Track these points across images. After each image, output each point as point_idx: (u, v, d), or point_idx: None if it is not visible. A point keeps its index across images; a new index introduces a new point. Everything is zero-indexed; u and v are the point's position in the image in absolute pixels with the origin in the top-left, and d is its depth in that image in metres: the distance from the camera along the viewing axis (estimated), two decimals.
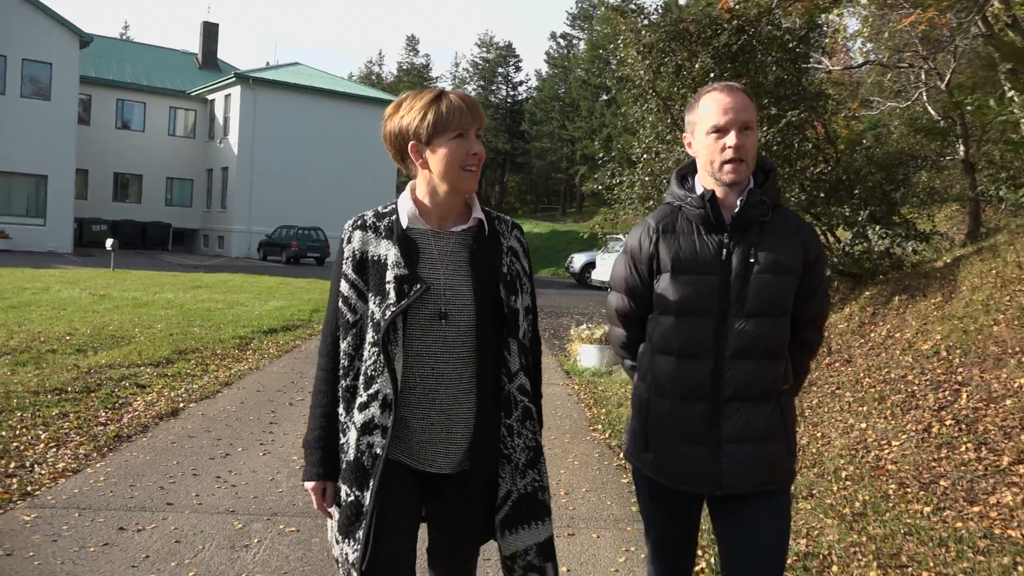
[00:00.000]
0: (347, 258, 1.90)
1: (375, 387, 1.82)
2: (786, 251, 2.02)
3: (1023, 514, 4.01)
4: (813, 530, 4.04)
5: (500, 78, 63.12)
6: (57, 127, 28.11)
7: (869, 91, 13.63)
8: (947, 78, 9.94)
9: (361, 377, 1.85)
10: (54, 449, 4.89)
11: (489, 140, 55.44)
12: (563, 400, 7.33)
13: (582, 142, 46.54)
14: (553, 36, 64.58)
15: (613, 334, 2.32)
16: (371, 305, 1.86)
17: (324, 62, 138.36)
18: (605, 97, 44.21)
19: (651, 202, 7.89)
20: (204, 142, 36.79)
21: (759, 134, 2.07)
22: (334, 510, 1.91)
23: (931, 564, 3.59)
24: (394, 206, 1.94)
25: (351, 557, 1.84)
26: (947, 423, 5.07)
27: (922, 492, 4.41)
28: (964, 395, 5.31)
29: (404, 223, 1.89)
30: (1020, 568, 3.50)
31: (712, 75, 7.05)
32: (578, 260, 26.02)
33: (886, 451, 5.05)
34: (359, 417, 1.83)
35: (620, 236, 16.07)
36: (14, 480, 4.28)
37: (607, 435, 6.01)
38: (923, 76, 10.26)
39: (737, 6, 7.24)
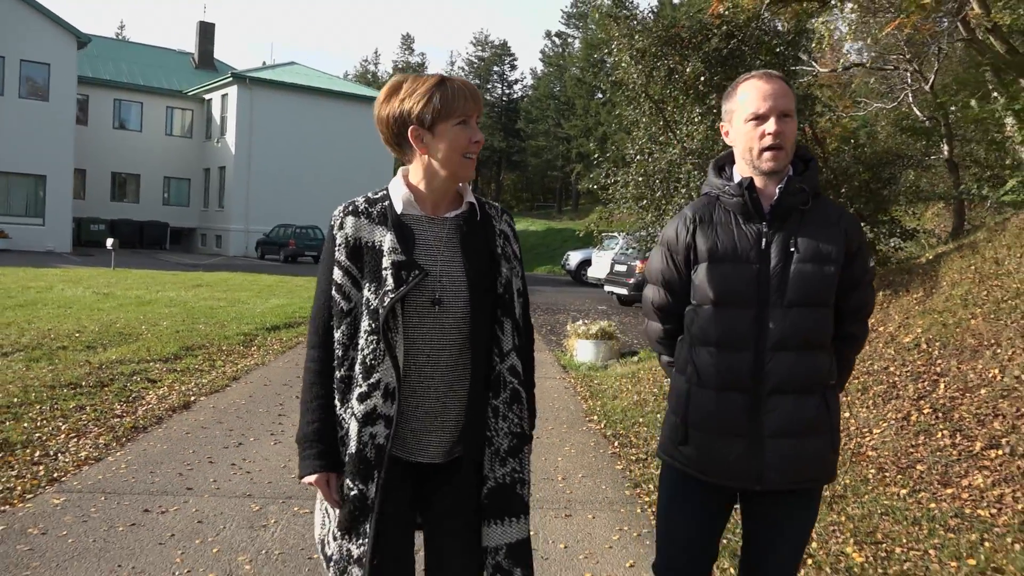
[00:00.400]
0: (340, 245, 1.84)
1: (376, 376, 1.77)
2: (827, 240, 1.97)
3: (992, 495, 4.27)
4: None
5: (496, 76, 63.34)
6: (55, 127, 28.28)
7: (860, 90, 13.90)
8: (931, 80, 10.23)
9: (358, 367, 1.80)
10: (75, 439, 5.12)
11: (485, 138, 55.52)
12: (560, 393, 7.58)
13: (578, 140, 46.79)
14: (548, 34, 64.94)
15: (650, 328, 2.26)
16: (366, 292, 1.81)
17: (320, 61, 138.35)
18: (600, 96, 44.43)
19: (644, 201, 8.14)
20: (201, 142, 36.95)
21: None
22: (325, 505, 1.88)
23: (904, 541, 3.84)
24: (385, 192, 1.90)
25: (356, 553, 1.78)
26: (925, 411, 5.33)
27: (899, 476, 4.67)
28: (942, 385, 5.57)
29: (399, 208, 1.85)
30: (987, 544, 3.76)
31: (702, 79, 7.30)
32: (574, 257, 26.31)
33: (867, 438, 5.31)
34: (360, 408, 1.78)
35: (615, 234, 16.32)
36: (40, 468, 4.52)
37: (602, 425, 6.26)
38: (908, 78, 10.54)
39: (726, 12, 7.48)
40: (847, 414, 5.73)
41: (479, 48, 63.90)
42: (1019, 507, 4.09)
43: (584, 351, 9.54)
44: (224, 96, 34.98)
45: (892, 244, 8.03)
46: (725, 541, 3.53)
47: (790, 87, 2.02)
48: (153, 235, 34.77)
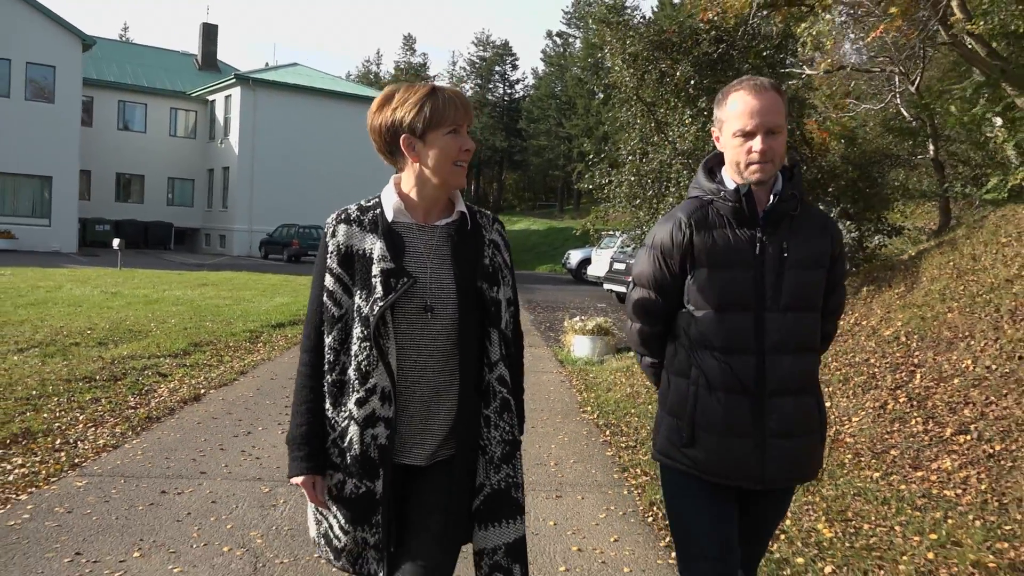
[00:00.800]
0: (331, 252, 1.89)
1: (372, 381, 1.82)
2: (816, 245, 2.04)
3: (959, 477, 4.54)
4: None
5: (497, 76, 63.63)
6: (61, 129, 28.59)
7: (853, 91, 14.16)
8: (916, 81, 10.49)
9: (353, 372, 1.84)
10: (92, 429, 5.40)
11: (487, 138, 55.94)
12: (556, 386, 7.85)
13: (579, 139, 47.06)
14: (549, 34, 65.22)
15: (634, 330, 2.24)
16: (357, 299, 1.85)
17: (322, 62, 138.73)
18: (600, 95, 44.74)
19: (638, 200, 8.40)
20: (205, 142, 37.27)
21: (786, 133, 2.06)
22: (334, 506, 1.91)
23: (873, 518, 4.10)
24: (377, 200, 1.95)
25: (372, 540, 1.86)
26: (901, 400, 5.59)
27: (874, 460, 4.93)
28: (918, 375, 5.84)
29: (389, 216, 1.89)
30: (950, 521, 4.02)
31: (693, 82, 7.57)
32: (575, 256, 26.58)
33: (846, 426, 5.57)
34: (359, 412, 1.83)
35: (613, 232, 16.58)
36: (62, 454, 4.80)
37: (595, 416, 6.52)
38: (896, 80, 10.81)
39: (715, 17, 7.74)
40: (828, 403, 6.00)
41: (481, 48, 64.19)
42: (982, 487, 4.35)
43: (581, 346, 9.80)
44: (228, 97, 35.29)
45: (876, 241, 8.29)
46: None
47: (781, 95, 2.02)
48: (157, 235, 35.09)
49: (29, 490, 4.16)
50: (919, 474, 4.66)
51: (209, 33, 42.18)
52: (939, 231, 9.66)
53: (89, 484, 4.29)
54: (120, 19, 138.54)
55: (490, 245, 1.97)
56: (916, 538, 3.81)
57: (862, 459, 4.99)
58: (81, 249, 29.64)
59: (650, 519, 4.16)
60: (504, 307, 1.95)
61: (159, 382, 7.01)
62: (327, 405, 1.89)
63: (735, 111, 2.00)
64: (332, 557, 1.95)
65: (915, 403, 5.49)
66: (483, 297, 1.91)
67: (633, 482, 4.77)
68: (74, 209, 29.52)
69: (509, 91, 63.35)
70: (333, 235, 1.90)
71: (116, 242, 21.73)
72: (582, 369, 8.87)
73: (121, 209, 35.41)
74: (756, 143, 1.96)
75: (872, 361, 6.31)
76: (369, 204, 1.94)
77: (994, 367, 5.43)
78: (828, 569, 3.50)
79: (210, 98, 36.84)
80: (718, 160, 2.16)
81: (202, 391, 6.76)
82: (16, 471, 4.43)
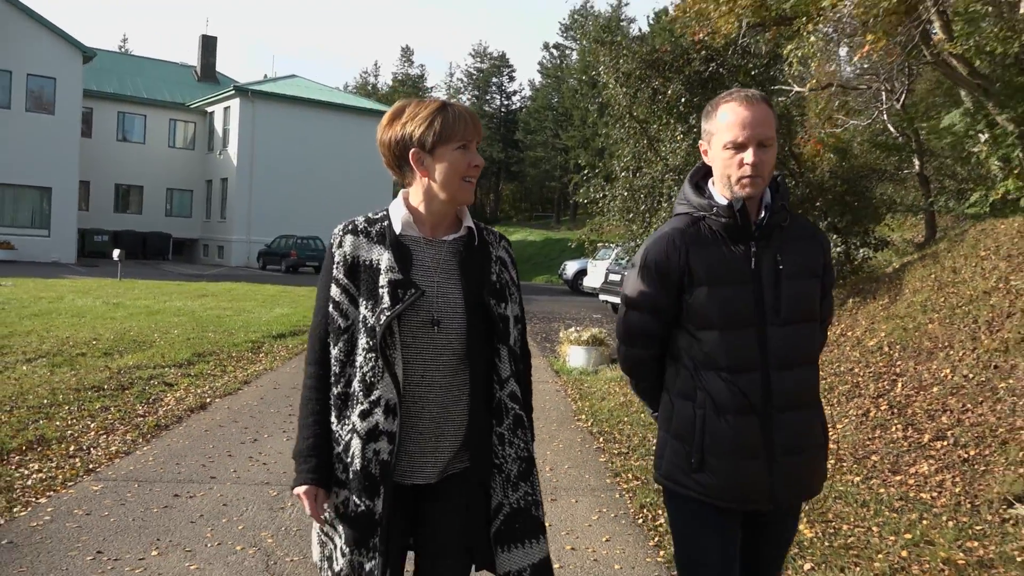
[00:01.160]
0: (338, 263, 1.87)
1: (376, 393, 1.80)
2: (809, 254, 2.03)
3: (935, 480, 4.76)
4: None
5: (494, 88, 64.10)
6: (61, 140, 28.83)
7: (846, 107, 14.44)
8: (902, 98, 10.78)
9: (358, 384, 1.83)
10: (104, 436, 5.60)
11: (484, 149, 55.92)
12: (552, 395, 8.07)
13: (575, 151, 47.39)
14: (546, 46, 65.52)
15: (630, 355, 2.18)
16: (363, 310, 1.84)
17: (320, 73, 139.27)
18: (592, 108, 45.17)
19: (631, 214, 8.65)
20: (203, 153, 37.54)
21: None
22: (338, 523, 1.88)
23: (852, 519, 4.32)
24: (385, 212, 1.94)
25: (368, 566, 1.81)
26: (883, 408, 5.82)
27: (855, 465, 5.15)
28: (899, 384, 6.06)
29: (397, 229, 1.89)
30: (924, 522, 4.24)
31: (684, 100, 7.83)
32: (571, 267, 26.85)
33: (830, 433, 5.77)
34: (362, 425, 1.80)
35: (608, 244, 16.84)
36: (77, 460, 4.99)
37: (590, 423, 6.74)
38: (883, 96, 11.10)
39: (706, 37, 8.00)
40: None
41: (478, 60, 64.67)
42: (956, 490, 4.57)
43: (576, 356, 10.01)
44: (227, 109, 35.58)
45: (862, 254, 8.54)
46: None
47: (771, 108, 1.99)
48: (156, 246, 35.30)
49: (48, 494, 4.36)
50: (898, 478, 4.88)
51: (208, 45, 42.52)
52: (925, 244, 9.91)
53: (105, 488, 4.49)
54: (119, 31, 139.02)
55: (497, 262, 1.97)
56: (892, 538, 4.03)
57: (844, 464, 5.21)
58: (80, 259, 29.82)
59: (640, 521, 4.36)
60: (512, 323, 1.95)
61: (165, 391, 7.21)
62: (332, 418, 1.88)
63: (726, 122, 1.95)
64: None
65: (896, 411, 5.71)
66: (491, 313, 1.90)
67: (625, 486, 4.98)
68: (73, 220, 29.72)
69: (506, 102, 63.81)
70: (340, 246, 1.89)
71: (116, 253, 21.92)
72: (577, 379, 9.08)
73: (119, 220, 35.64)
74: (748, 155, 1.91)
75: (856, 370, 6.54)
76: (377, 216, 1.94)
77: (971, 376, 5.66)
78: (808, 566, 3.71)
79: (209, 109, 37.14)
80: (704, 173, 2.11)
81: (208, 400, 6.96)
82: (34, 476, 4.63)
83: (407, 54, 69.71)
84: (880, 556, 3.81)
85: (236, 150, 34.38)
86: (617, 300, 16.87)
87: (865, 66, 11.18)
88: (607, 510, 4.53)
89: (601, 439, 6.23)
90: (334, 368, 1.87)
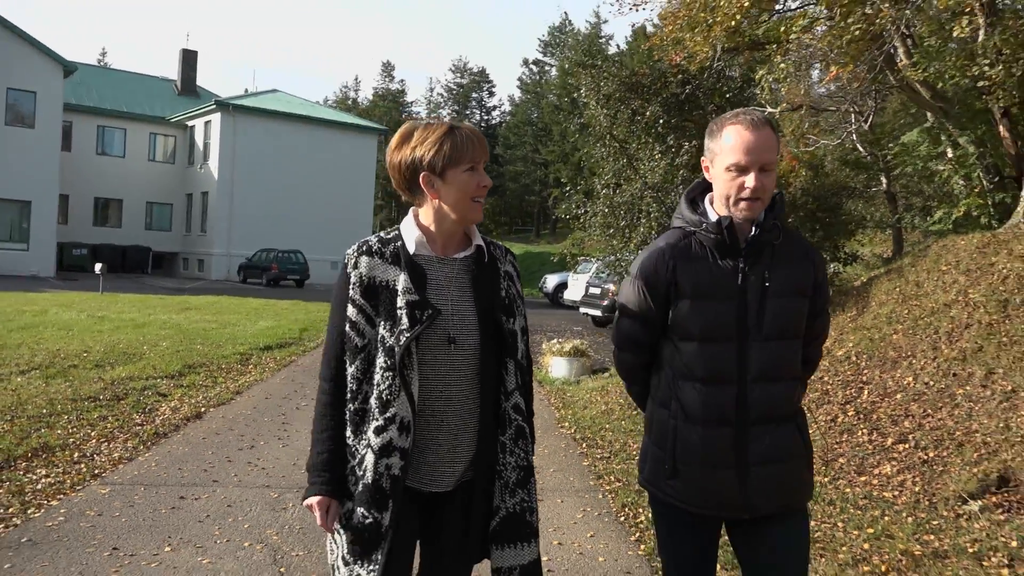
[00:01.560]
0: (354, 283, 1.91)
1: (392, 410, 1.85)
2: (798, 274, 2.04)
3: (897, 480, 5.09)
4: None
5: (474, 103, 64.67)
6: (41, 154, 28.75)
7: (818, 126, 14.95)
8: (869, 119, 11.26)
9: (375, 401, 1.88)
10: (105, 443, 5.79)
11: None
12: (536, 404, 8.25)
13: (555, 165, 47.91)
14: (525, 62, 66.25)
15: (622, 360, 2.27)
16: (381, 330, 1.88)
17: (301, 87, 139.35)
18: (573, 127, 45.82)
19: (611, 230, 8.98)
20: (184, 167, 37.55)
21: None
22: (343, 533, 1.93)
23: (819, 516, 4.62)
24: (397, 232, 1.98)
25: None
26: (850, 414, 6.16)
27: (823, 467, 5.47)
28: (866, 391, 6.41)
29: (411, 249, 1.94)
30: (886, 518, 4.55)
31: (661, 121, 8.19)
32: (551, 280, 27.22)
33: None
34: (377, 440, 1.85)
35: (589, 258, 17.19)
36: (82, 465, 5.19)
37: (573, 430, 7.03)
38: (852, 117, 11.59)
39: (683, 61, 8.38)
40: None
41: (458, 75, 65.24)
42: (916, 489, 4.90)
43: (558, 367, 10.31)
44: (207, 123, 35.66)
45: (832, 268, 8.94)
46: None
47: (775, 131, 2.03)
48: (135, 259, 35.21)
49: (58, 497, 4.56)
50: (863, 478, 5.21)
51: (188, 59, 42.56)
52: (892, 258, 10.34)
53: (112, 491, 4.69)
54: (98, 44, 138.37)
55: (505, 277, 2.04)
56: (855, 532, 4.34)
57: (813, 466, 5.52)
58: (59, 273, 29.69)
59: (622, 519, 4.65)
60: (519, 337, 2.01)
61: (160, 401, 7.39)
62: (348, 432, 1.94)
63: (729, 145, 1.98)
64: None
65: (862, 416, 6.05)
66: (501, 328, 1.98)
67: (607, 488, 5.26)
68: (52, 233, 29.62)
69: (486, 117, 64.36)
70: (355, 266, 1.93)
71: (98, 267, 21.93)
72: (560, 388, 9.37)
73: (99, 233, 35.51)
74: (749, 180, 1.95)
75: (825, 379, 6.88)
76: (389, 237, 1.99)
77: (932, 383, 6.01)
78: None
79: (189, 123, 37.19)
80: (701, 190, 2.16)
81: (202, 409, 7.15)
82: (43, 480, 4.82)
83: (388, 69, 70.10)
84: (844, 548, 4.11)
85: (217, 164, 34.44)
86: (597, 313, 17.23)
87: (834, 88, 11.68)
88: (591, 509, 4.81)
89: (584, 444, 6.51)
90: (351, 385, 1.92)
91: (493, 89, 66.34)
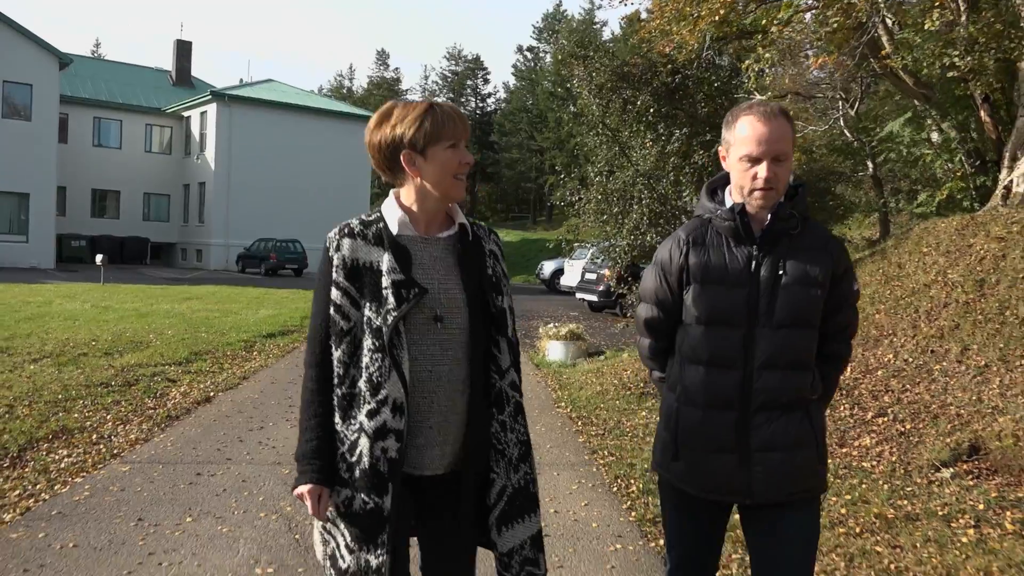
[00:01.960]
0: (337, 266, 1.89)
1: (384, 392, 1.83)
2: (814, 264, 2.02)
3: (875, 451, 5.37)
4: None
5: (469, 90, 64.63)
6: (38, 146, 28.87)
7: (806, 111, 15.16)
8: (855, 105, 11.50)
9: (364, 384, 1.85)
10: (121, 426, 6.06)
11: None
12: (533, 386, 8.62)
13: (550, 152, 48.07)
14: (520, 49, 66.22)
15: (642, 345, 2.31)
16: (366, 312, 1.86)
17: (295, 76, 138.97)
18: (566, 117, 45.93)
19: (605, 216, 9.23)
20: (180, 158, 37.68)
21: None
22: (342, 521, 1.90)
23: None
24: (379, 214, 1.96)
25: (375, 563, 1.84)
26: None
27: None
28: (849, 369, 6.68)
29: (394, 229, 1.92)
30: (863, 486, 4.83)
31: (652, 110, 8.43)
32: (548, 267, 27.54)
33: None
34: (370, 424, 1.83)
35: (584, 244, 17.45)
36: (101, 446, 5.46)
37: (569, 410, 7.30)
38: (839, 104, 11.83)
39: (672, 52, 8.61)
40: None
41: (453, 62, 65.16)
42: (893, 459, 5.19)
43: (555, 351, 10.58)
44: (203, 113, 35.78)
45: None
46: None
47: (790, 121, 2.05)
48: (134, 250, 35.36)
49: (81, 474, 4.82)
50: (843, 450, 5.49)
51: (183, 50, 42.57)
52: (878, 241, 10.59)
53: (132, 469, 4.96)
54: (92, 35, 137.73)
55: (490, 255, 2.04)
56: (834, 499, 4.61)
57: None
58: (58, 265, 29.86)
59: (615, 489, 4.92)
60: (508, 315, 2.01)
61: (169, 387, 7.65)
62: (336, 419, 1.91)
63: (743, 135, 2.01)
64: None
65: (844, 392, 6.33)
66: (490, 307, 1.98)
67: (601, 462, 5.54)
68: (51, 225, 29.79)
69: (481, 104, 64.37)
70: (337, 249, 1.91)
71: (99, 258, 22.13)
72: (556, 371, 9.65)
73: (97, 225, 35.66)
74: (762, 170, 1.97)
75: None
76: (371, 218, 1.96)
77: (911, 360, 6.30)
78: None
79: (185, 114, 37.29)
80: (722, 181, 2.19)
81: (211, 394, 7.42)
82: (65, 460, 5.09)
83: (382, 57, 70.05)
84: (823, 513, 4.38)
85: (214, 154, 34.59)
86: (593, 298, 17.51)
87: (821, 75, 11.92)
88: (585, 481, 5.08)
89: (579, 423, 6.78)
90: (337, 370, 1.90)
91: (488, 76, 66.49)
